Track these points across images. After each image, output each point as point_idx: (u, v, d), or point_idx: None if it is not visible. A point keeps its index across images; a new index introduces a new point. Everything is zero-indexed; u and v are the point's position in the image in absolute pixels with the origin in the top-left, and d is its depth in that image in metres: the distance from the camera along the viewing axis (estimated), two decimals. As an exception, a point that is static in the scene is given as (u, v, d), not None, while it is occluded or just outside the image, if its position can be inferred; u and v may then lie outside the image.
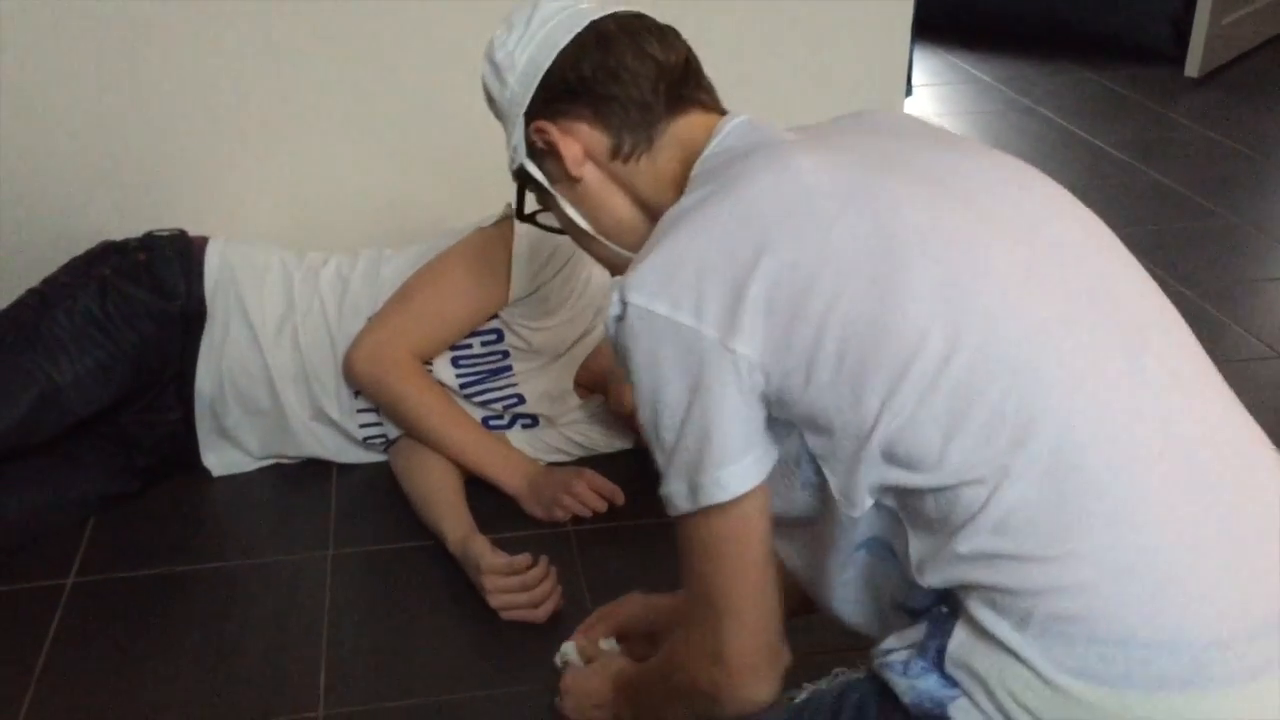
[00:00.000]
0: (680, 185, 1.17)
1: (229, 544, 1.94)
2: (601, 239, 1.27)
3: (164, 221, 2.08)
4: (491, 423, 2.03)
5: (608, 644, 1.55)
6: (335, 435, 2.05)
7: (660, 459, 1.08)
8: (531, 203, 1.36)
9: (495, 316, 1.97)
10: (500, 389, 2.02)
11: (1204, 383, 1.05)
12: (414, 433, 1.96)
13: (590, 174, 1.24)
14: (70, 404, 1.85)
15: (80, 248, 2.01)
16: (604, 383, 2.05)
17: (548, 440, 2.06)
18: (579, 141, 1.23)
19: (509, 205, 1.97)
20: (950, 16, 4.39)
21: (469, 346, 1.98)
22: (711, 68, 1.25)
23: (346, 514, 1.97)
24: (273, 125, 2.18)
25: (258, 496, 2.03)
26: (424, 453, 1.95)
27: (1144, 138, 3.56)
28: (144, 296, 1.93)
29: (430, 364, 1.98)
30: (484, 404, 2.02)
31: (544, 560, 1.73)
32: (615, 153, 1.22)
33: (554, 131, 1.23)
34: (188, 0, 2.07)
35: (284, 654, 1.67)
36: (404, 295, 1.96)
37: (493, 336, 1.98)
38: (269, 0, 2.10)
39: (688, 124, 1.22)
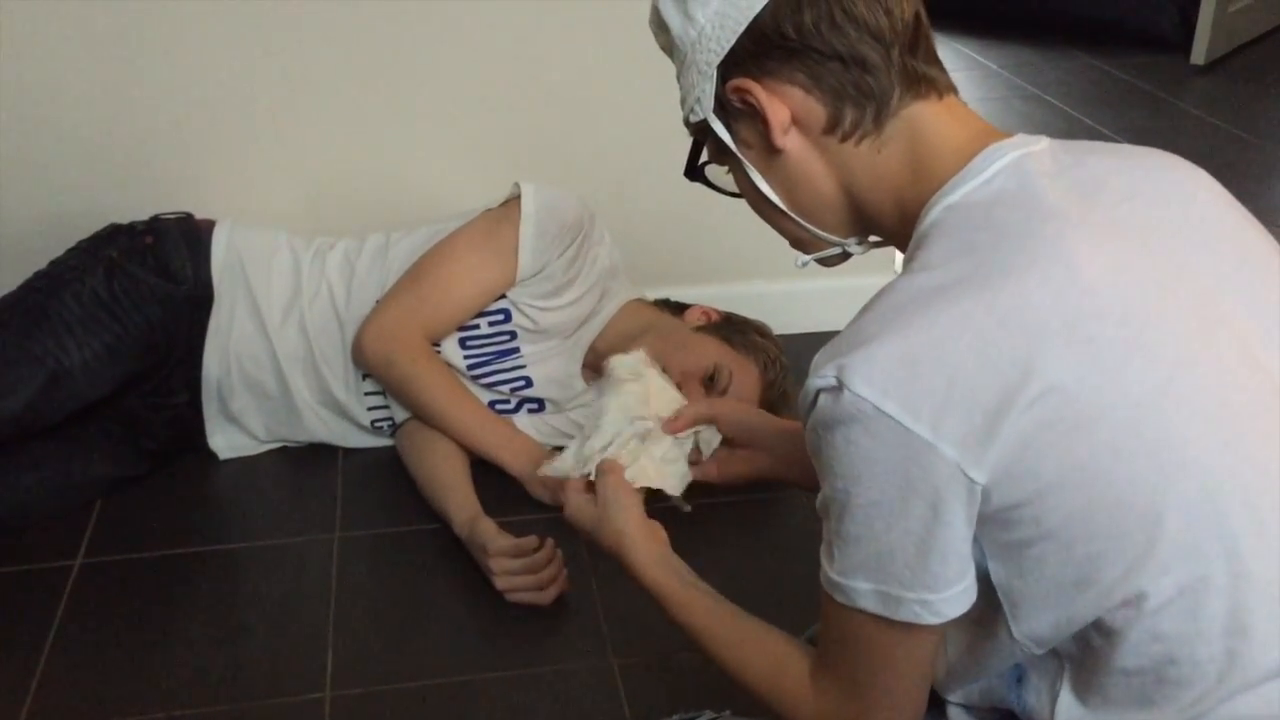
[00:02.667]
0: (903, 195, 1.01)
1: (235, 526, 1.94)
2: (794, 216, 1.07)
3: (170, 205, 2.08)
4: (498, 406, 2.03)
5: (707, 433, 1.30)
6: (341, 420, 2.05)
7: (836, 545, 0.95)
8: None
9: (503, 297, 1.97)
10: (507, 371, 2.02)
11: None
12: (421, 414, 1.97)
13: (794, 145, 1.02)
14: (78, 387, 1.86)
15: (86, 231, 2.01)
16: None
17: (554, 424, 2.06)
18: (788, 107, 1.01)
19: (516, 185, 1.97)
20: (957, 3, 4.38)
21: (476, 327, 1.99)
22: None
23: (353, 497, 1.97)
24: (279, 108, 2.18)
25: (264, 479, 2.03)
26: (431, 436, 1.96)
27: (1150, 125, 3.56)
28: (151, 280, 1.94)
29: (439, 345, 1.98)
30: (491, 386, 2.02)
31: (550, 543, 1.73)
32: (832, 127, 1.00)
33: (759, 93, 1.00)
34: (194, -17, 2.07)
35: (290, 636, 1.68)
36: (413, 277, 1.96)
37: (500, 316, 1.99)
38: (275, -17, 2.10)
39: (925, 115, 1.00)
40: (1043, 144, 1.00)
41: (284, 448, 2.09)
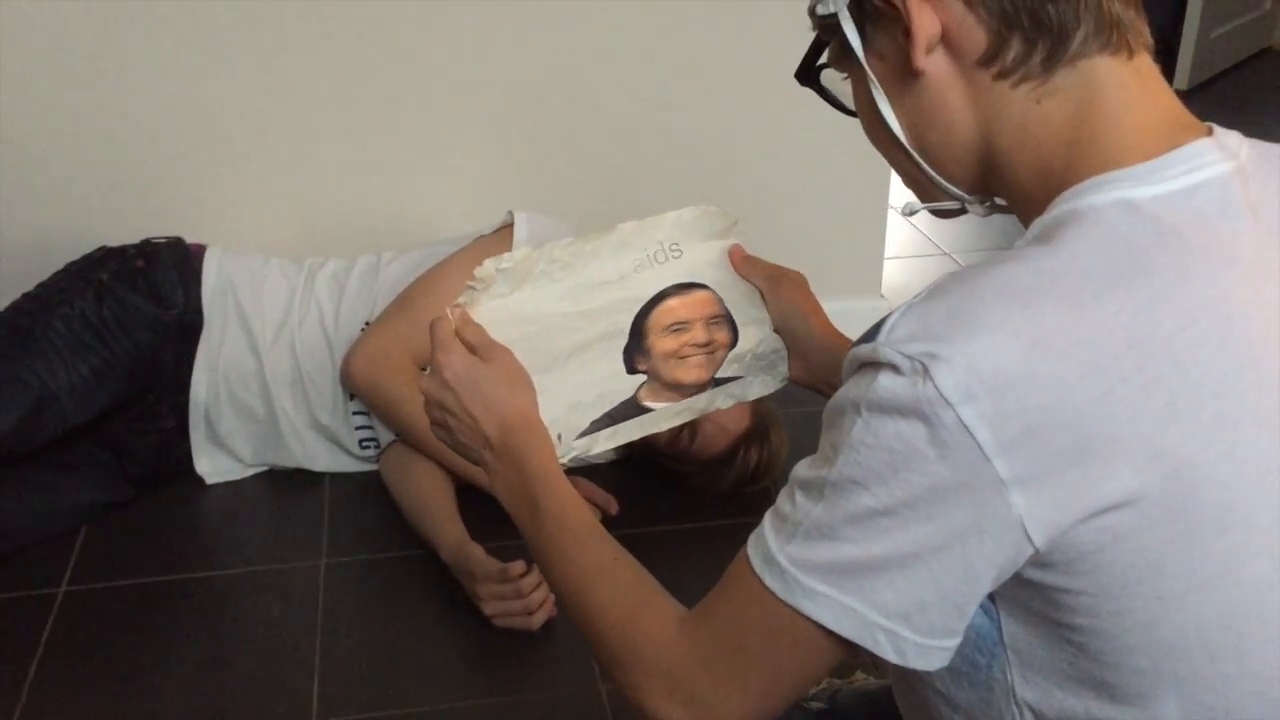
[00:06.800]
0: (1050, 161, 0.81)
1: (222, 552, 1.93)
2: (912, 153, 0.87)
3: (160, 228, 2.08)
4: (485, 431, 2.03)
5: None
6: (328, 445, 2.05)
7: (804, 529, 0.76)
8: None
9: (491, 324, 1.97)
10: (495, 397, 2.02)
11: None
12: (409, 438, 1.96)
13: (937, 69, 0.82)
14: (65, 411, 1.85)
15: (76, 253, 2.01)
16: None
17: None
18: (940, 20, 0.81)
19: (509, 214, 1.97)
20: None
21: (465, 353, 1.99)
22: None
23: (339, 522, 1.97)
24: (269, 131, 2.18)
25: (250, 504, 2.02)
26: (415, 462, 1.95)
27: (1134, 150, 3.57)
28: (141, 304, 1.93)
29: (426, 370, 1.98)
30: (478, 412, 2.02)
31: (537, 568, 1.72)
32: (990, 59, 0.80)
33: None
34: (184, 6, 2.07)
35: (276, 663, 1.67)
36: (403, 302, 1.96)
37: (489, 344, 1.98)
38: (265, 7, 2.10)
39: (1108, 73, 0.80)
40: (1244, 153, 0.82)
41: (270, 472, 2.08)
